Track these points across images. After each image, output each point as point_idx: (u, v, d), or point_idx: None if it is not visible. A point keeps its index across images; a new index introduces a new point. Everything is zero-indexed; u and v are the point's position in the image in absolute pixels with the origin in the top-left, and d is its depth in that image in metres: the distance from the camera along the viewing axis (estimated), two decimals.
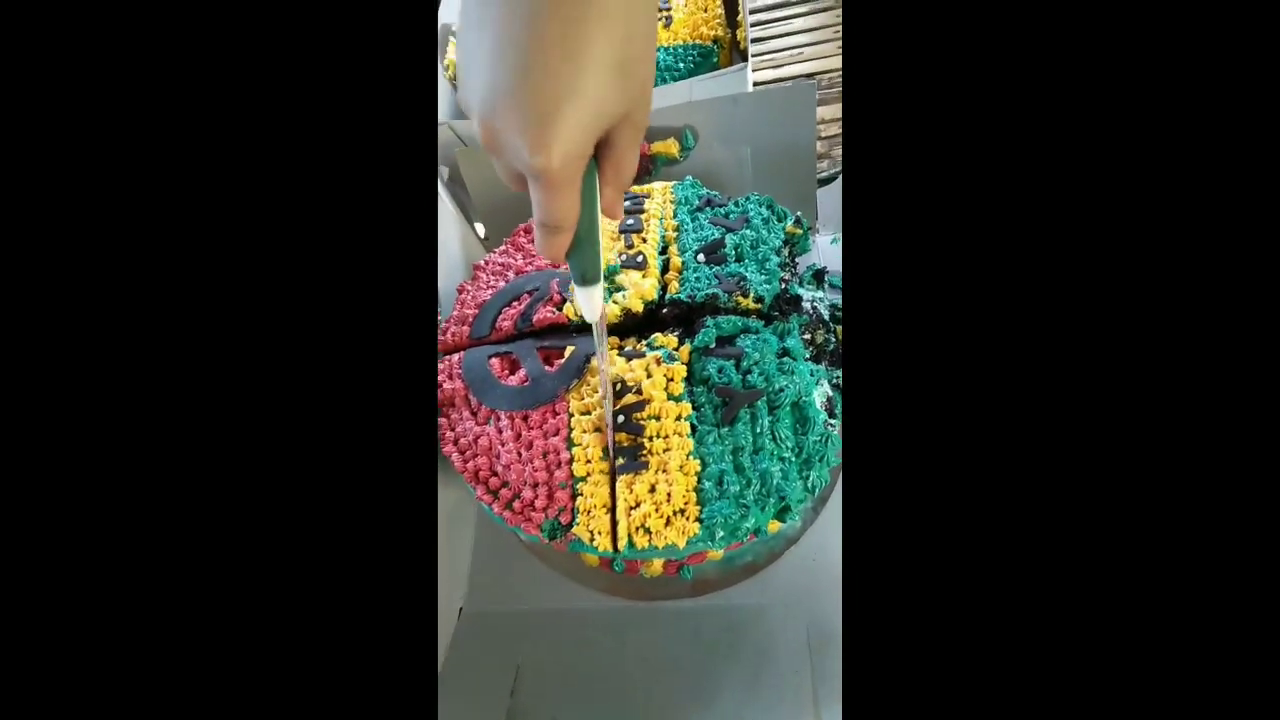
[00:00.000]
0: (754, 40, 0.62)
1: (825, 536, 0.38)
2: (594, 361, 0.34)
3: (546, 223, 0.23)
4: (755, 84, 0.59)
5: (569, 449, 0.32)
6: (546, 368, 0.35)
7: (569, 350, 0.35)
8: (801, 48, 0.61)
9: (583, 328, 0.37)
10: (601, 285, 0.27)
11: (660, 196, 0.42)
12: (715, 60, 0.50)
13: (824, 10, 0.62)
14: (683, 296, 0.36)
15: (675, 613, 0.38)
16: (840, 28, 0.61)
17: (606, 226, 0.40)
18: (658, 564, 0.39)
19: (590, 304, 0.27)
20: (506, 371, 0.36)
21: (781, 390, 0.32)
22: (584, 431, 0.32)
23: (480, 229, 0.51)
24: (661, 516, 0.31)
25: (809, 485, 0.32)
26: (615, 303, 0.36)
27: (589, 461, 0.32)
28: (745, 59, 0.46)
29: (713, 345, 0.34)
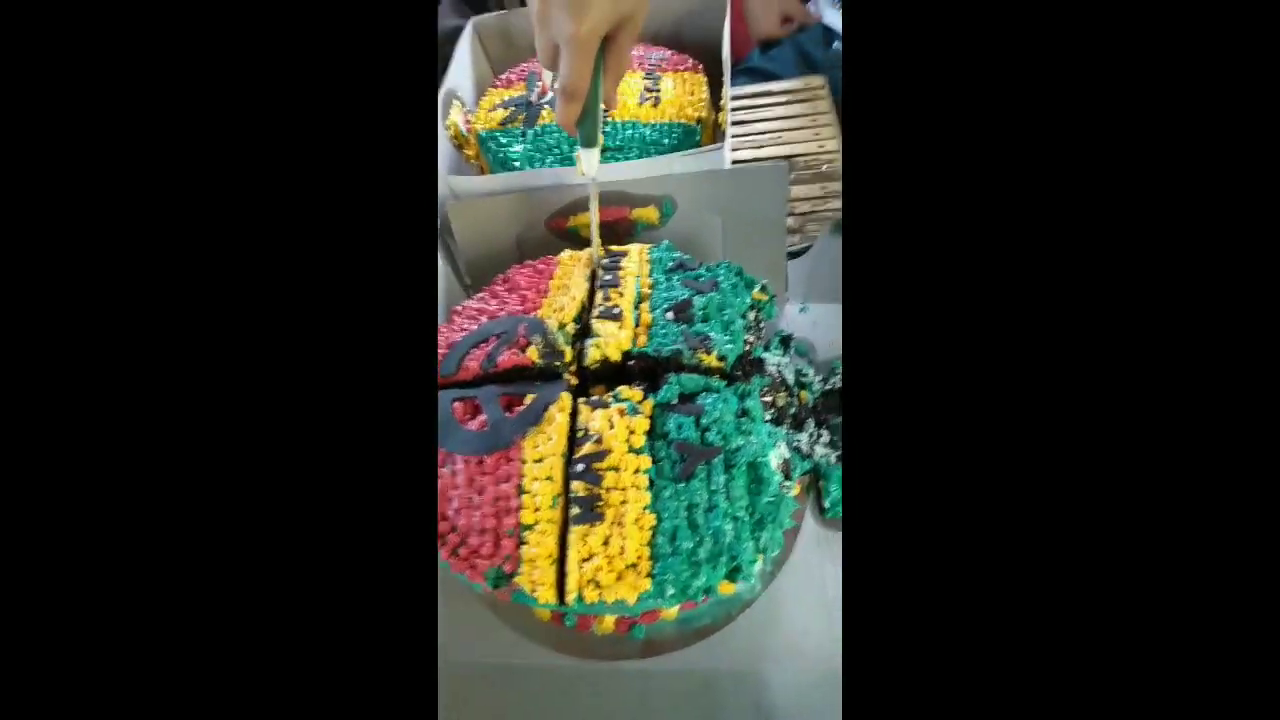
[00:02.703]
0: (736, 122, 0.67)
1: (779, 603, 0.38)
2: (551, 409, 0.35)
3: (566, 88, 0.35)
4: (735, 162, 0.63)
5: (519, 496, 0.32)
6: (507, 414, 0.35)
7: (529, 397, 0.35)
8: (781, 132, 0.65)
9: (545, 373, 0.37)
10: (599, 149, 0.39)
11: (637, 257, 0.44)
12: (698, 138, 0.54)
13: (802, 101, 0.68)
14: (649, 350, 0.37)
15: (624, 674, 0.37)
16: (817, 117, 0.66)
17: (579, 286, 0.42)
18: (610, 620, 0.37)
19: (590, 162, 0.40)
20: (468, 415, 0.36)
21: (738, 449, 0.33)
22: (535, 479, 0.32)
23: (466, 279, 0.53)
24: (613, 571, 0.31)
25: (760, 546, 0.32)
26: (597, 347, 0.37)
27: (537, 510, 0.32)
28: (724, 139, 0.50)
29: (675, 401, 0.35)
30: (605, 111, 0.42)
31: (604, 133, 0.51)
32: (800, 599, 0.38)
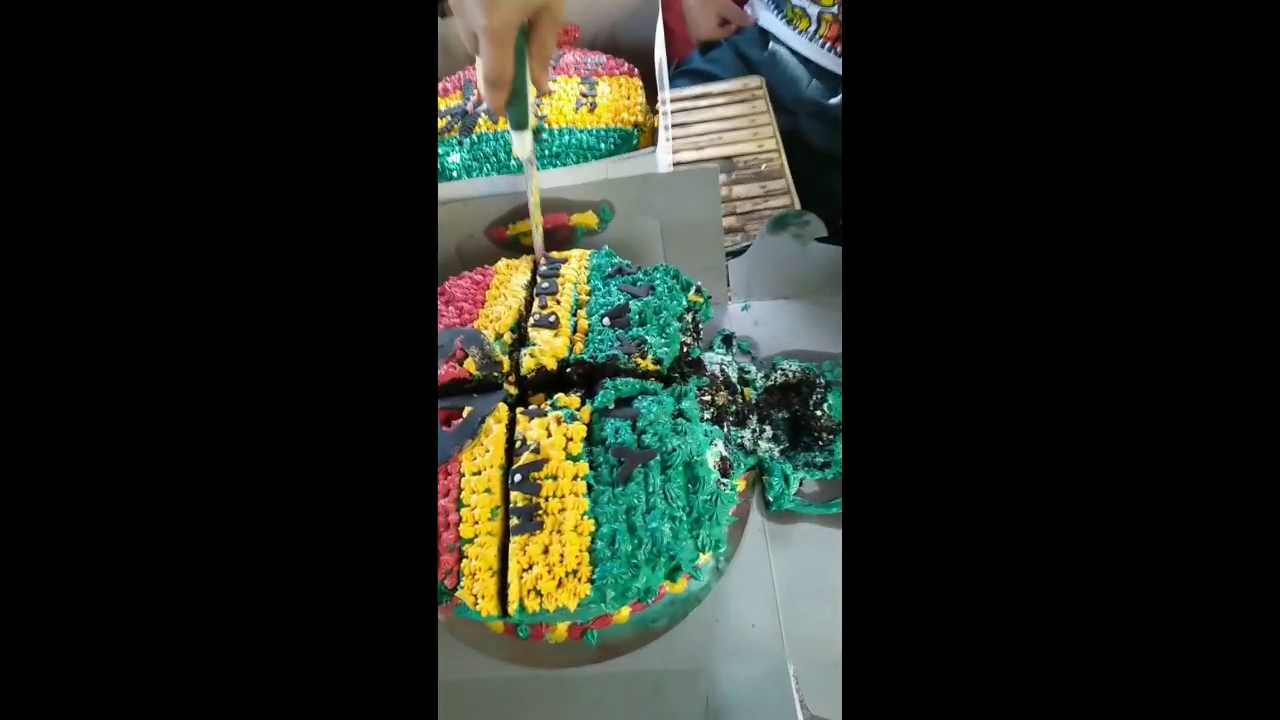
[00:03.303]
0: (678, 124, 0.67)
1: (726, 598, 0.38)
2: (488, 421, 0.35)
3: (489, 78, 0.37)
4: (677, 163, 0.64)
5: (458, 510, 0.32)
6: (444, 428, 0.35)
7: (466, 410, 0.35)
8: (721, 132, 0.66)
9: (481, 386, 0.37)
10: (530, 131, 0.41)
11: (576, 263, 0.44)
12: (635, 143, 0.54)
13: (741, 101, 0.69)
14: (586, 356, 0.37)
15: (577, 681, 0.37)
16: (756, 117, 0.67)
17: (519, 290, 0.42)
18: (562, 628, 0.38)
19: (522, 144, 0.42)
20: None
21: (674, 450, 0.33)
22: (473, 492, 0.32)
23: None
24: (554, 578, 0.31)
25: (699, 544, 0.33)
26: (532, 356, 0.37)
27: (477, 523, 0.32)
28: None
29: (611, 406, 0.35)
30: (537, 96, 0.44)
31: (542, 139, 0.52)
32: (747, 593, 0.38)
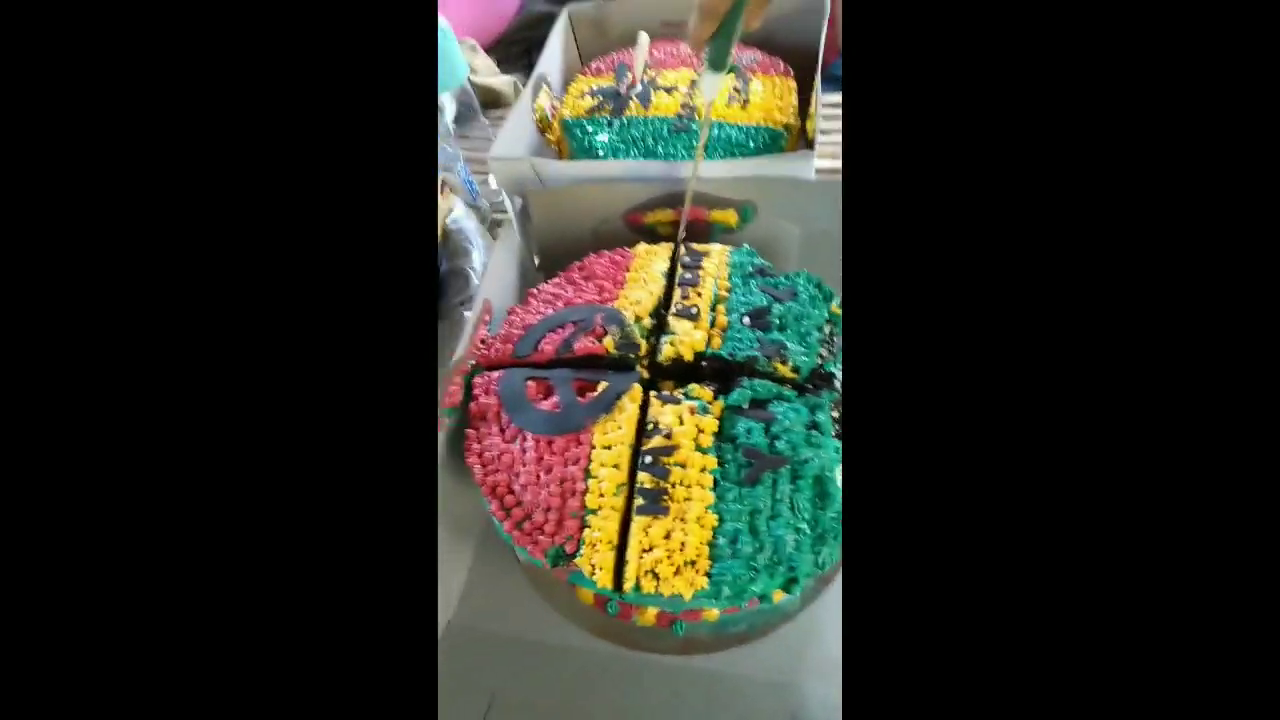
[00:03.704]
0: (823, 130, 0.66)
1: (821, 619, 0.37)
2: (623, 399, 0.35)
3: (703, 3, 0.34)
4: (820, 170, 0.62)
5: (585, 479, 0.33)
6: (579, 398, 0.36)
7: (602, 385, 0.36)
8: None
9: (618, 363, 0.38)
10: (724, 76, 0.38)
11: (717, 258, 0.44)
12: (783, 144, 0.53)
13: None
14: (724, 353, 0.37)
15: (659, 668, 0.37)
16: None
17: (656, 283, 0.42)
18: (652, 613, 0.38)
19: (713, 87, 0.38)
20: (540, 396, 0.37)
21: (806, 461, 0.33)
22: (602, 465, 0.33)
23: (537, 260, 0.54)
24: (673, 565, 0.31)
25: (819, 561, 0.32)
26: (671, 345, 0.37)
27: (602, 495, 0.32)
28: (811, 148, 0.49)
29: (745, 406, 0.35)
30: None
31: (692, 130, 0.52)
32: (840, 619, 0.37)
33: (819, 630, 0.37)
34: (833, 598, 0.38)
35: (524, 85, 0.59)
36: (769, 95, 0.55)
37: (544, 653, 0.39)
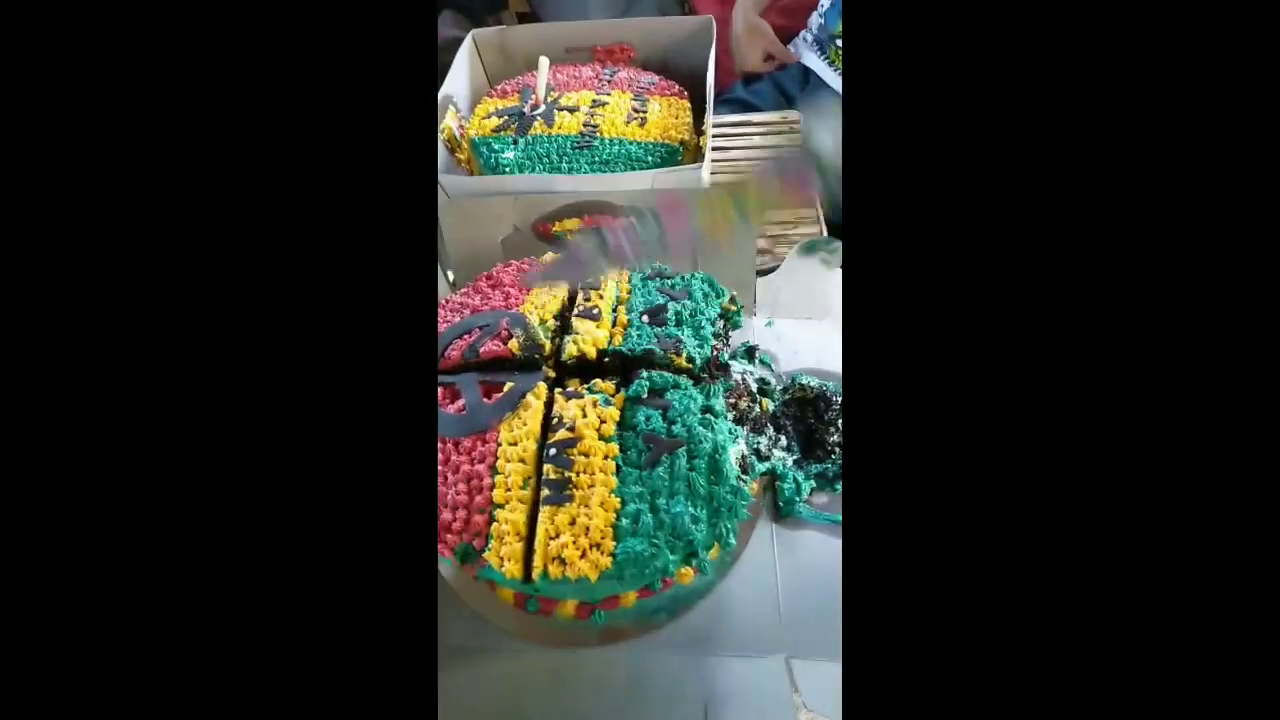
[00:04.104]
0: (717, 148, 0.71)
1: (729, 596, 0.40)
2: (528, 397, 0.37)
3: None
4: (714, 184, 0.67)
5: (492, 475, 0.34)
6: (485, 400, 0.37)
7: (508, 385, 0.37)
8: (758, 159, 0.70)
9: (524, 364, 0.39)
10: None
11: None
12: (679, 159, 0.57)
13: (779, 133, 0.72)
14: (624, 349, 0.39)
15: (581, 661, 0.38)
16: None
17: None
18: (571, 605, 0.39)
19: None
20: (448, 400, 0.38)
21: (701, 442, 0.35)
22: (508, 461, 0.34)
23: (450, 275, 0.55)
24: (578, 549, 0.32)
25: (716, 534, 0.34)
26: (574, 343, 0.39)
27: (509, 490, 0.34)
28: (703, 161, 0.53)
29: (645, 395, 0.37)
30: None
31: (594, 146, 0.55)
32: (751, 594, 0.40)
33: (727, 608, 0.40)
34: (739, 575, 0.41)
35: None
36: (666, 114, 0.59)
37: (466, 657, 0.39)
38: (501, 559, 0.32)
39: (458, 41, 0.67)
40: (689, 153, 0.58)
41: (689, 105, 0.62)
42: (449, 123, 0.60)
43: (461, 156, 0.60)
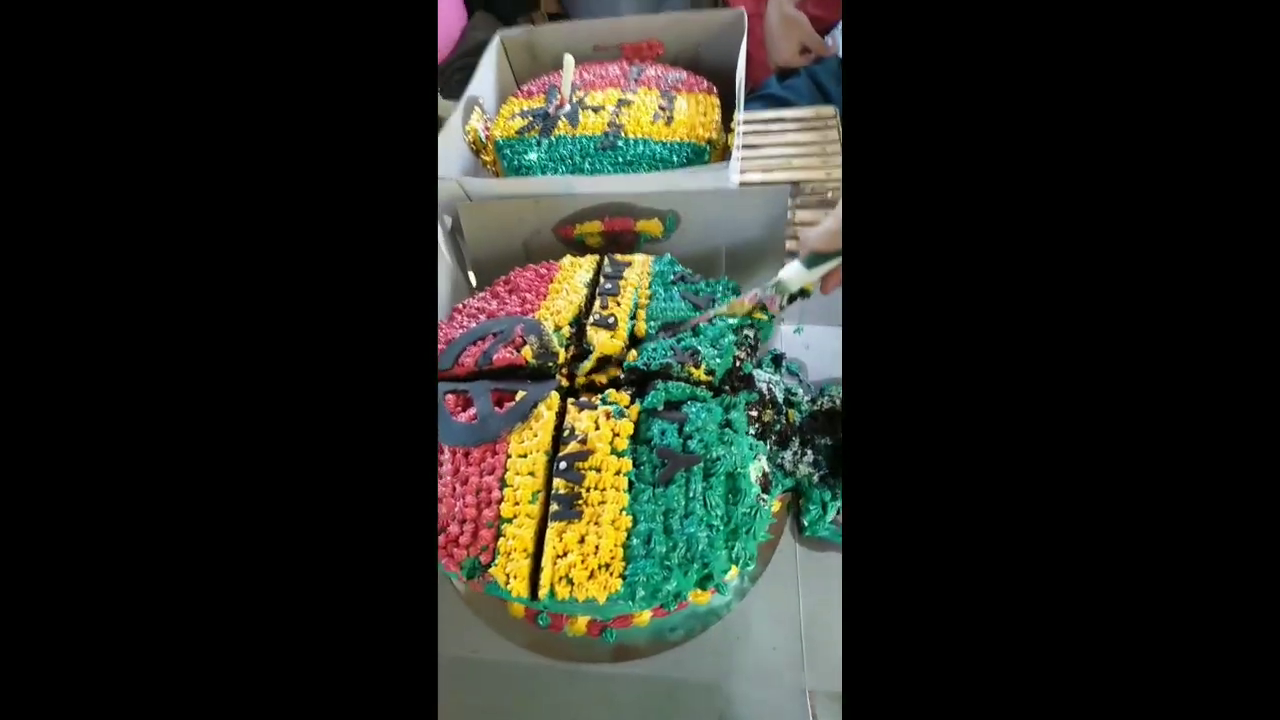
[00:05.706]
0: (749, 145, 0.68)
1: (750, 618, 0.38)
2: (539, 407, 0.36)
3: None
4: (744, 183, 0.64)
5: (501, 489, 0.33)
6: (496, 409, 0.36)
7: (519, 394, 0.36)
8: (790, 157, 0.67)
9: (536, 374, 0.38)
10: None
11: (640, 267, 0.45)
12: (707, 159, 0.55)
13: (813, 129, 0.69)
14: (639, 364, 0.38)
15: (592, 676, 0.37)
16: (826, 145, 0.67)
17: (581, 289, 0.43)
18: (582, 622, 0.38)
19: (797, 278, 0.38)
20: (460, 408, 0.37)
21: (718, 459, 0.34)
22: (518, 474, 0.33)
23: (472, 278, 0.55)
24: (586, 569, 0.31)
25: (733, 556, 0.32)
26: (593, 360, 0.38)
27: (517, 504, 0.33)
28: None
29: (660, 408, 0.36)
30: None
31: (618, 147, 0.53)
32: (771, 616, 0.38)
33: (746, 630, 0.38)
34: (760, 597, 0.39)
35: None
36: (693, 112, 0.57)
37: (479, 670, 0.38)
38: (508, 576, 0.31)
39: (485, 45, 0.67)
40: (717, 151, 0.56)
41: (718, 102, 0.59)
42: (474, 124, 0.59)
43: (487, 158, 0.60)
